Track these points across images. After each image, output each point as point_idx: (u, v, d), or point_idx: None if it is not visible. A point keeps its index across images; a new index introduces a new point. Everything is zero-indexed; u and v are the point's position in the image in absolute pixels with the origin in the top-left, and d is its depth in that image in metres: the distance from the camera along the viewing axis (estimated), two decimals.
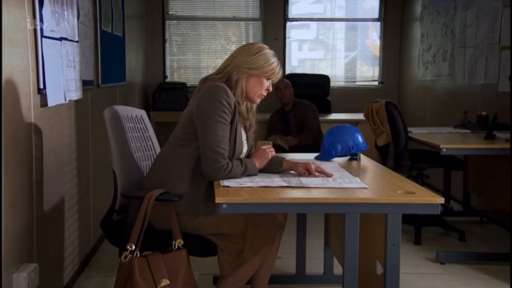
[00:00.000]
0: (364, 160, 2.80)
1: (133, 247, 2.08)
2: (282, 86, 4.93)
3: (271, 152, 2.35)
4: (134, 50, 5.40)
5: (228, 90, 2.22)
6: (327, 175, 2.26)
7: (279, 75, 2.34)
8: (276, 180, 2.17)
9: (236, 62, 2.29)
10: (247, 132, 2.41)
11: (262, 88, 2.32)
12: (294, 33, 6.90)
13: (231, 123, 2.23)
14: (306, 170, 2.27)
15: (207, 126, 2.16)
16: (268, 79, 2.32)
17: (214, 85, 2.22)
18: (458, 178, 4.54)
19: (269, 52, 2.32)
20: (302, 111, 4.94)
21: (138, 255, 2.08)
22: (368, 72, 7.03)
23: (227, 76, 2.29)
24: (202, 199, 2.24)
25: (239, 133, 2.29)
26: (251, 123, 2.41)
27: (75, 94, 2.89)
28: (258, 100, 2.36)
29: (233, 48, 6.91)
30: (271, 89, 2.37)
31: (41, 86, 2.41)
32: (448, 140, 3.70)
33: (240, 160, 2.25)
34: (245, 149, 2.36)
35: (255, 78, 2.29)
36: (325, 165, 2.55)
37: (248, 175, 2.23)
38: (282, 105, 5.05)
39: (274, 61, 2.31)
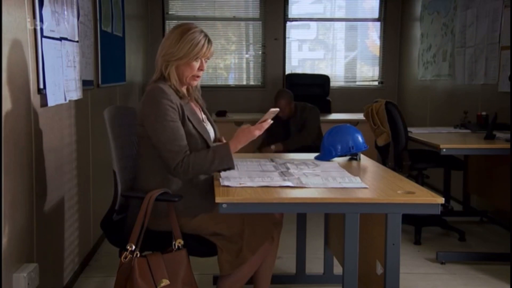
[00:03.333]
0: (364, 160, 2.80)
1: (133, 247, 2.08)
2: (281, 107, 4.78)
3: (257, 129, 2.23)
4: (134, 50, 5.40)
5: (165, 88, 2.21)
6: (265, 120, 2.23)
7: (209, 52, 2.28)
8: (276, 180, 2.17)
9: (163, 56, 2.27)
10: (204, 111, 2.42)
11: (193, 70, 2.28)
12: (294, 33, 6.90)
13: (183, 116, 2.22)
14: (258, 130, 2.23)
15: (156, 129, 2.17)
16: (197, 59, 2.28)
17: (150, 89, 2.22)
18: (458, 178, 4.54)
19: (192, 32, 2.24)
20: (306, 114, 4.87)
21: (138, 255, 2.08)
22: (368, 72, 7.03)
23: (160, 73, 2.28)
24: (197, 198, 2.24)
25: (195, 119, 2.29)
26: (199, 99, 2.40)
27: (75, 94, 2.89)
28: (195, 82, 2.34)
29: (233, 48, 6.96)
30: (204, 68, 2.31)
31: (41, 86, 2.41)
32: (448, 140, 3.70)
33: (208, 149, 2.23)
34: (208, 127, 2.37)
35: (183, 65, 2.26)
36: (325, 165, 2.56)
37: (222, 160, 2.17)
38: None
39: (199, 40, 2.24)
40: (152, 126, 2.18)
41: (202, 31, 2.29)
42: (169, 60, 2.25)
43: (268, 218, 2.32)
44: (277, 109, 2.25)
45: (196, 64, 2.28)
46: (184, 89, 2.33)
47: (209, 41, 2.29)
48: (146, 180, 2.28)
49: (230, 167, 2.20)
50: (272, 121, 2.27)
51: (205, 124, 2.37)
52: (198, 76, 2.32)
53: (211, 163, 2.16)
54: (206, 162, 2.16)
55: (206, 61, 2.32)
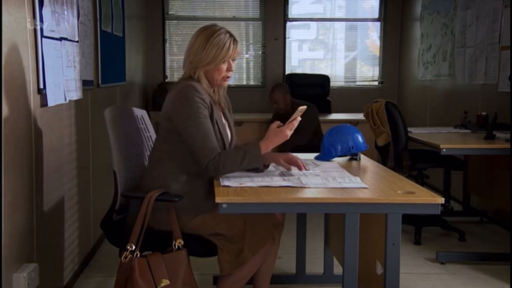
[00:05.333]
0: (364, 160, 2.80)
1: (133, 247, 2.08)
2: (276, 99, 4.83)
3: (288, 128, 2.24)
4: (134, 50, 5.40)
5: (198, 86, 2.22)
6: (303, 167, 2.29)
7: (235, 52, 2.28)
8: (276, 180, 2.17)
9: (190, 63, 2.28)
10: (226, 115, 2.42)
11: (222, 72, 2.28)
12: (294, 33, 6.89)
13: (211, 117, 2.23)
14: (293, 165, 2.29)
15: (189, 126, 2.17)
16: (225, 62, 2.27)
17: (183, 86, 2.23)
18: (458, 178, 4.54)
19: (217, 35, 2.24)
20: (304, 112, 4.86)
21: (138, 255, 2.08)
22: (368, 72, 7.03)
23: (188, 76, 2.29)
24: (200, 198, 2.24)
25: (220, 122, 2.30)
26: (225, 102, 2.41)
27: (75, 94, 2.89)
28: (225, 83, 2.35)
29: None
30: (232, 68, 2.31)
31: (41, 86, 2.41)
32: (448, 140, 3.70)
33: (239, 148, 2.24)
34: (228, 133, 2.38)
35: (212, 69, 2.27)
36: (325, 165, 2.56)
37: (252, 159, 2.17)
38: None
39: (224, 42, 2.24)
40: (184, 122, 2.18)
41: (227, 32, 2.28)
42: (197, 66, 2.26)
43: (269, 219, 2.32)
44: (305, 107, 2.26)
45: (224, 66, 2.28)
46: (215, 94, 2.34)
47: (235, 41, 2.29)
48: (150, 178, 2.29)
49: (258, 167, 2.22)
50: (300, 119, 2.28)
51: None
52: (228, 77, 2.33)
53: (242, 162, 2.17)
54: (236, 161, 2.17)
55: (233, 61, 2.32)
